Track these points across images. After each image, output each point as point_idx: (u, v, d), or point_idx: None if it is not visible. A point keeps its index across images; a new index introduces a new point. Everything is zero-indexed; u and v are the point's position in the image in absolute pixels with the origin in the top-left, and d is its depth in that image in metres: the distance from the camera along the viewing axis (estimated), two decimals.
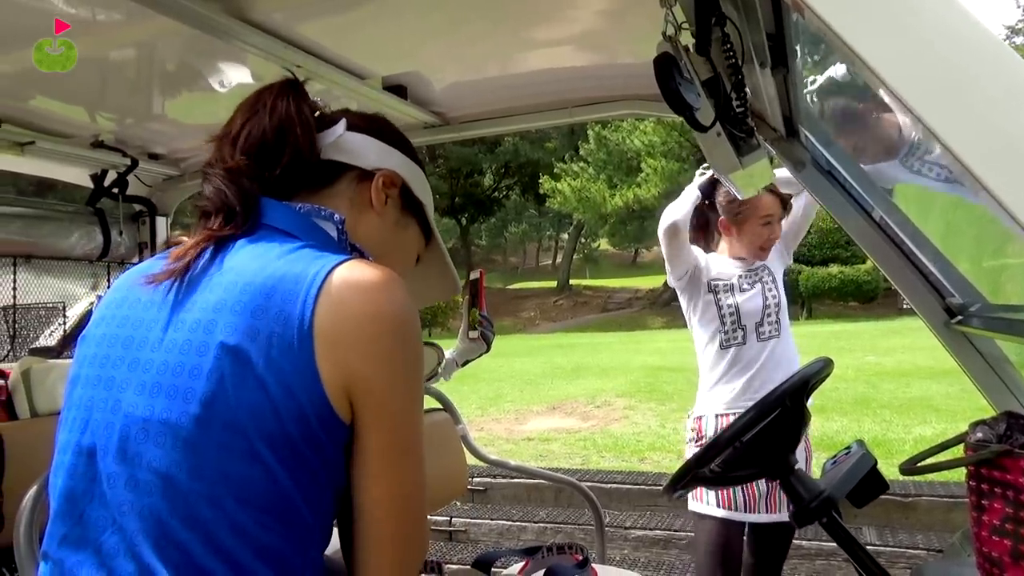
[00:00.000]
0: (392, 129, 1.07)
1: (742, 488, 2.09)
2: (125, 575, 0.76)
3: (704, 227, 2.41)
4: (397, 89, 1.83)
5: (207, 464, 0.76)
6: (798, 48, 1.23)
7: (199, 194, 0.92)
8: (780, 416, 1.28)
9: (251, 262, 0.83)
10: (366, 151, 1.00)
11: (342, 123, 0.99)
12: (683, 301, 2.34)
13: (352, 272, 0.81)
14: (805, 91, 1.48)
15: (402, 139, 1.07)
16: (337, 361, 0.77)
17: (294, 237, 0.88)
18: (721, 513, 2.11)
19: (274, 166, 0.92)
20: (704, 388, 2.27)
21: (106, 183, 2.38)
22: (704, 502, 2.14)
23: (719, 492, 2.09)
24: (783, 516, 2.11)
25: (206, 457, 0.76)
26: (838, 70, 1.35)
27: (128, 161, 2.29)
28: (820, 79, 1.47)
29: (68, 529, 0.82)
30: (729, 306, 2.25)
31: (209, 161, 0.94)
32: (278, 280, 0.80)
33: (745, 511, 2.10)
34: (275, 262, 0.82)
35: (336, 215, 0.94)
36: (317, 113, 0.99)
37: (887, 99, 0.68)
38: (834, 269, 19.54)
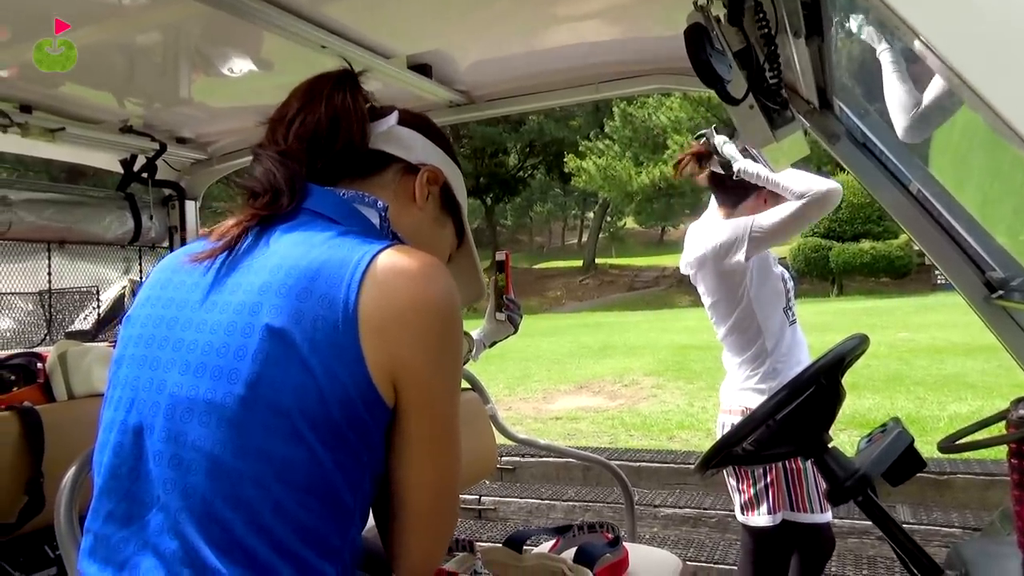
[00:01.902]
0: (438, 129, 1.09)
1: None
2: (169, 552, 0.78)
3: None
4: (422, 68, 1.82)
5: (251, 444, 0.77)
6: (834, 16, 1.19)
7: (246, 174, 0.94)
8: (814, 394, 1.26)
9: (295, 246, 0.84)
10: (413, 145, 1.01)
11: (394, 115, 1.01)
12: (734, 279, 2.09)
13: (397, 258, 0.82)
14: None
15: (446, 140, 1.09)
16: (383, 347, 0.78)
17: (336, 222, 0.89)
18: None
19: (325, 154, 0.94)
20: (771, 369, 2.09)
21: (135, 168, 2.40)
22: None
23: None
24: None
25: (250, 437, 0.77)
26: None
27: (157, 146, 2.31)
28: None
29: (114, 505, 0.83)
30: (789, 279, 2.17)
31: (261, 143, 0.95)
32: (322, 264, 0.81)
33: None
34: (319, 246, 0.83)
35: (379, 202, 0.94)
36: (368, 104, 1.00)
37: (932, 63, 0.65)
38: (865, 244, 19.19)
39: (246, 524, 0.76)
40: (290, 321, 0.78)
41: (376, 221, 0.93)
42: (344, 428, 0.78)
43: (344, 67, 1.00)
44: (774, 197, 2.13)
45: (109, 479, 0.85)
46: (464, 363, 2.14)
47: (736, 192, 2.18)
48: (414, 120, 1.05)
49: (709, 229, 2.15)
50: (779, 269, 2.18)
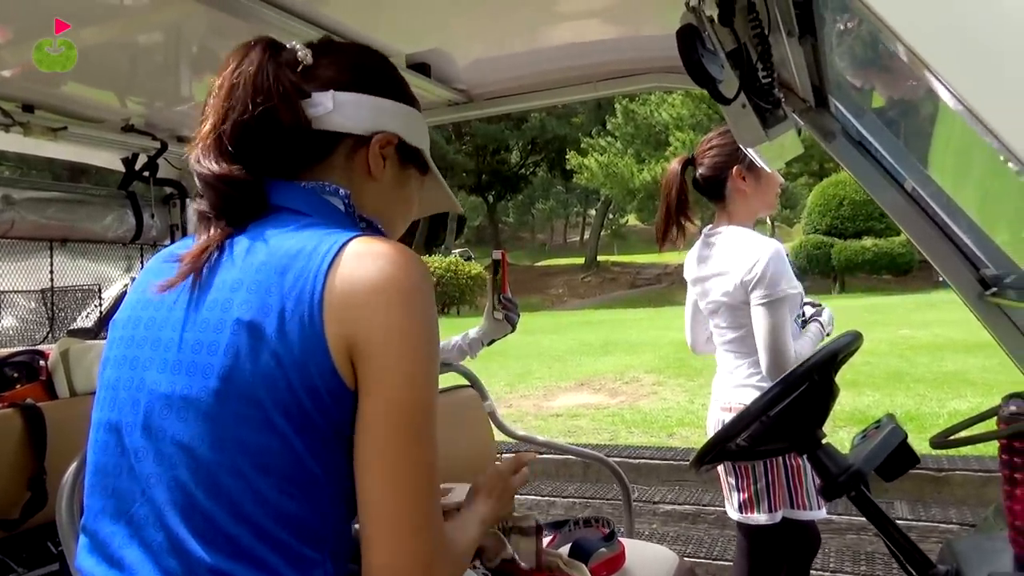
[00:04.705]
0: (378, 70, 1.01)
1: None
2: (156, 544, 0.80)
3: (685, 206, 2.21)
4: (420, 67, 1.82)
5: (227, 436, 0.79)
6: (826, 16, 1.20)
7: (198, 196, 0.91)
8: (808, 390, 1.28)
9: (266, 242, 0.85)
10: (359, 114, 0.95)
11: (329, 96, 0.93)
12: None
13: (362, 246, 0.83)
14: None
15: (391, 80, 1.01)
16: (342, 329, 0.79)
17: (304, 214, 0.89)
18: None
19: (267, 147, 0.90)
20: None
21: (137, 167, 2.41)
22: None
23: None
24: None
25: (226, 429, 0.79)
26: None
27: (158, 144, 2.32)
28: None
29: (103, 502, 0.86)
30: (801, 288, 2.12)
31: (199, 155, 0.89)
32: (292, 257, 0.82)
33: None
34: (288, 240, 0.84)
35: (341, 189, 0.94)
36: (300, 67, 0.94)
37: (917, 70, 0.67)
38: (868, 242, 19.16)
39: (228, 514, 0.78)
40: (259, 314, 0.79)
41: (343, 208, 0.93)
42: (316, 417, 0.79)
43: (263, 37, 0.94)
44: (751, 172, 2.13)
45: (97, 477, 0.88)
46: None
47: (715, 185, 2.18)
48: (352, 76, 0.96)
49: (726, 253, 2.12)
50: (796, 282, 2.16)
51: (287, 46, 0.95)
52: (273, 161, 0.92)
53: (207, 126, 0.90)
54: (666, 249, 2.38)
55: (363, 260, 0.81)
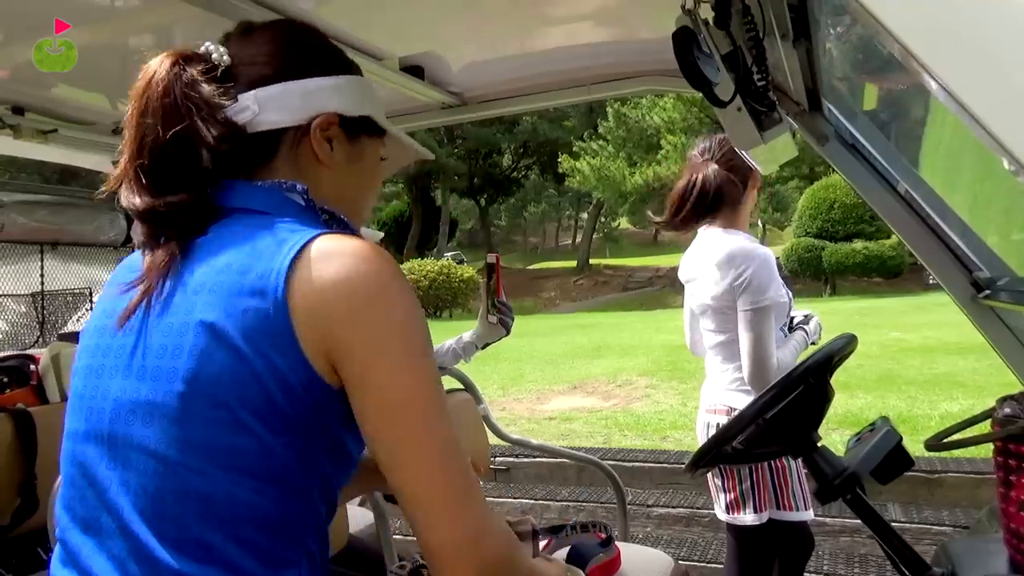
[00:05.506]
0: (299, 49, 0.95)
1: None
2: (123, 553, 0.79)
3: (722, 200, 2.16)
4: (414, 70, 1.82)
5: (194, 438, 0.78)
6: (821, 19, 1.20)
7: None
8: (803, 393, 1.28)
9: (228, 244, 0.83)
10: (289, 104, 0.91)
11: (252, 97, 0.89)
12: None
13: (325, 244, 0.81)
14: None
15: (315, 55, 0.95)
16: (316, 326, 0.77)
17: (266, 214, 0.87)
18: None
19: (194, 164, 0.87)
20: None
21: None
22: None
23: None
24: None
25: (193, 431, 0.78)
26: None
27: None
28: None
29: (73, 512, 0.85)
30: (790, 294, 2.13)
31: (123, 191, 0.87)
32: (254, 257, 0.80)
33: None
34: (250, 240, 0.83)
35: (298, 185, 0.90)
36: (220, 70, 0.89)
37: (914, 72, 0.66)
38: (858, 244, 19.25)
39: (199, 517, 0.77)
40: (222, 314, 0.78)
41: (303, 203, 0.90)
42: (290, 413, 0.78)
43: (169, 52, 0.89)
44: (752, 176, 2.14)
45: (67, 487, 0.87)
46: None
47: (736, 189, 2.16)
48: (275, 67, 0.91)
49: (718, 256, 2.10)
50: (785, 288, 2.16)
51: (200, 51, 0.91)
52: (216, 171, 0.89)
53: (123, 161, 0.87)
54: (669, 233, 2.37)
55: (331, 259, 0.79)
